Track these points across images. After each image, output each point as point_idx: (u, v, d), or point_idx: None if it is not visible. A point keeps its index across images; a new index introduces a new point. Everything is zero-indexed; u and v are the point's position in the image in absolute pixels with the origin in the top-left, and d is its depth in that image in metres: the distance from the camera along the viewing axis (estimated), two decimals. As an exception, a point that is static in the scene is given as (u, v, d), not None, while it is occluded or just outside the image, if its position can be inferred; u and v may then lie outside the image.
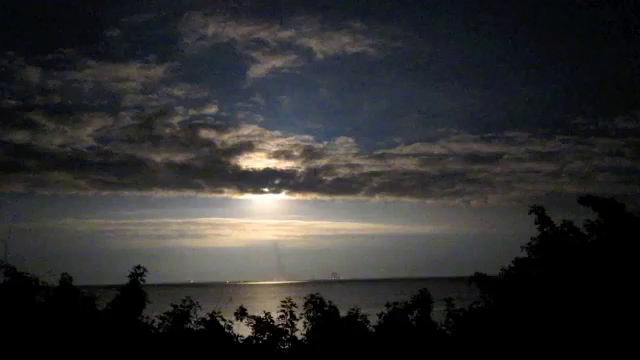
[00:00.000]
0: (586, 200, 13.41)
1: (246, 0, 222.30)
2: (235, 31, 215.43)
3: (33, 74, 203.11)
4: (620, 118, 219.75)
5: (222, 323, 12.88)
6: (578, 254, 12.79)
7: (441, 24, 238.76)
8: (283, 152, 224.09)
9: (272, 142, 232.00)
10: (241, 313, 13.05)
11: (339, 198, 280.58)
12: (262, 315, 13.05)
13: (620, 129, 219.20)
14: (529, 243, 13.32)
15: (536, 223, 13.35)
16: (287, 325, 13.05)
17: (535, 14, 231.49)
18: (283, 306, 13.18)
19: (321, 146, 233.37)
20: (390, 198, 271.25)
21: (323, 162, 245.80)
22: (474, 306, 13.04)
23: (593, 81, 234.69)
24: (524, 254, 13.38)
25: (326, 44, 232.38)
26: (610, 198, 13.29)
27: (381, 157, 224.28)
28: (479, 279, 13.23)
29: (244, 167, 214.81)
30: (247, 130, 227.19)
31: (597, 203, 13.27)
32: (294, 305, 13.22)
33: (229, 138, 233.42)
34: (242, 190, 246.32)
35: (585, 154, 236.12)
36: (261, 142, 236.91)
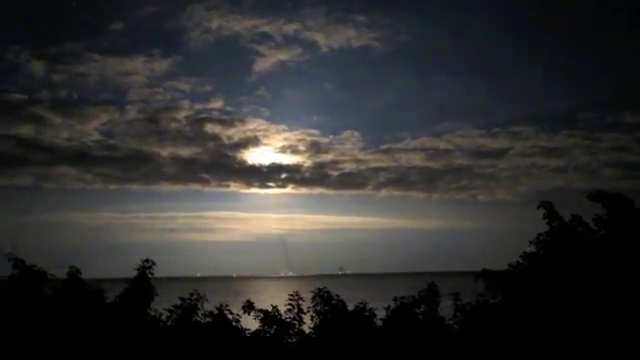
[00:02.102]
0: (596, 196, 13.31)
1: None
2: (240, 24, 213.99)
3: (38, 68, 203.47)
4: (627, 113, 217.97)
5: (229, 316, 12.94)
6: (587, 248, 12.72)
7: (446, 18, 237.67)
8: (289, 146, 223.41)
9: (278, 136, 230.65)
10: (248, 307, 13.09)
11: (345, 192, 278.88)
12: (270, 309, 13.08)
13: (627, 124, 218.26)
14: (538, 237, 13.26)
15: (544, 218, 13.28)
16: (294, 319, 13.07)
17: (542, 8, 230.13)
18: (290, 300, 13.20)
19: (327, 140, 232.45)
20: (397, 192, 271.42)
21: (329, 156, 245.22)
22: (480, 299, 13.01)
23: (600, 76, 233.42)
24: (532, 249, 13.33)
25: (331, 38, 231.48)
26: (619, 193, 13.20)
27: (387, 152, 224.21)
28: (486, 275, 13.18)
29: (250, 161, 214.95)
30: (253, 124, 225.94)
31: (606, 199, 13.17)
32: (301, 299, 13.24)
33: (235, 132, 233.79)
34: (248, 184, 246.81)
35: (592, 149, 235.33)
36: (267, 136, 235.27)
